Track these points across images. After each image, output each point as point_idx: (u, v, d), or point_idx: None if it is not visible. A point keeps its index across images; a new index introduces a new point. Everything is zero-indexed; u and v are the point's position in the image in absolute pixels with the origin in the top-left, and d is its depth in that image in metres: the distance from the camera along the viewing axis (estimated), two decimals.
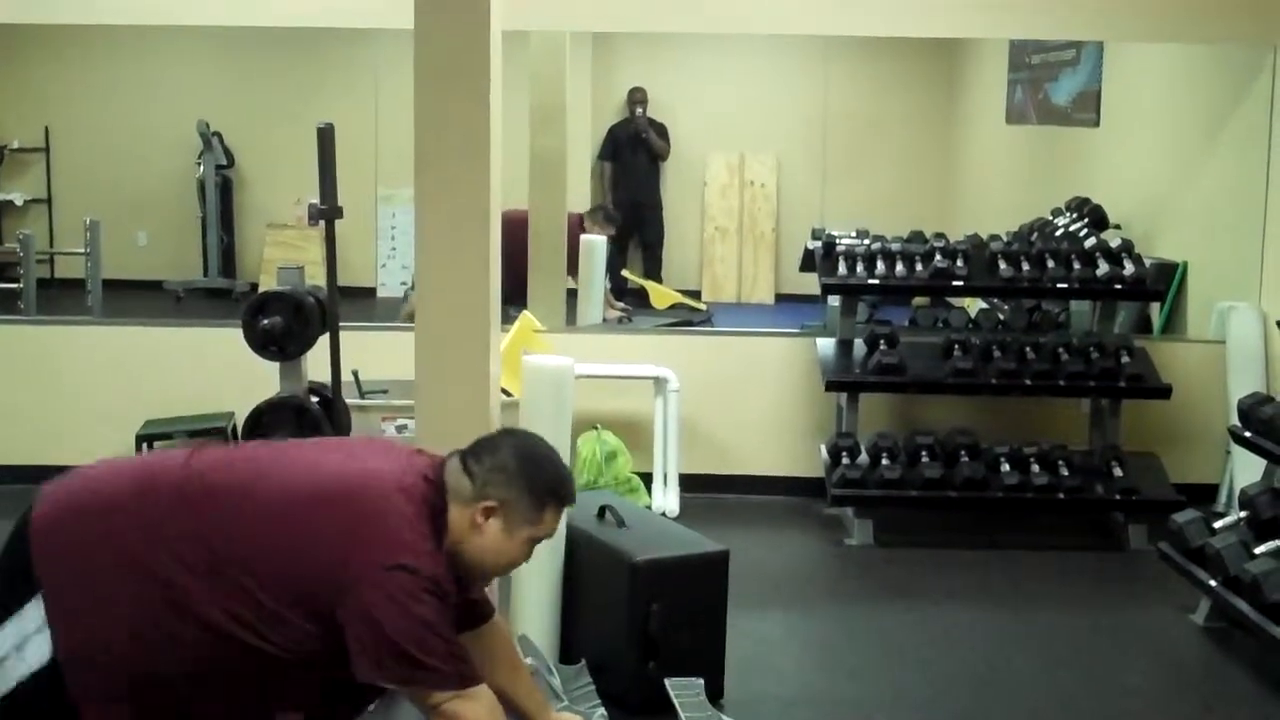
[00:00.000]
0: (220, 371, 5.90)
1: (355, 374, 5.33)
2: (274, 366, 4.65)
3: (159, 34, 10.01)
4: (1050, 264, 5.86)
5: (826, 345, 6.00)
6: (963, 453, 5.62)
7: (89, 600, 2.45)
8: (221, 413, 6.00)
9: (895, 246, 6.01)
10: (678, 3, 6.15)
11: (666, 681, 3.74)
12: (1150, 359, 5.88)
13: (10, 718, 2.46)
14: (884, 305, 8.20)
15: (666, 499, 5.87)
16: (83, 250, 8.28)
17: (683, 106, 11.38)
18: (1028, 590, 5.15)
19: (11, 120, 11.24)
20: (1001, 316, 6.71)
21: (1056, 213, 6.85)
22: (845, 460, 5.64)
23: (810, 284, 6.43)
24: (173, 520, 2.49)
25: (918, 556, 5.53)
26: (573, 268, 7.55)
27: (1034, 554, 5.57)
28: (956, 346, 5.81)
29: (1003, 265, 5.88)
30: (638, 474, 5.85)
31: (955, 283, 5.97)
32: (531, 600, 4.05)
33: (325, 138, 4.28)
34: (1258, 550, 4.35)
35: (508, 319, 5.52)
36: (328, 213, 4.32)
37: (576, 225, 8.17)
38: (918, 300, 7.52)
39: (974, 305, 7.30)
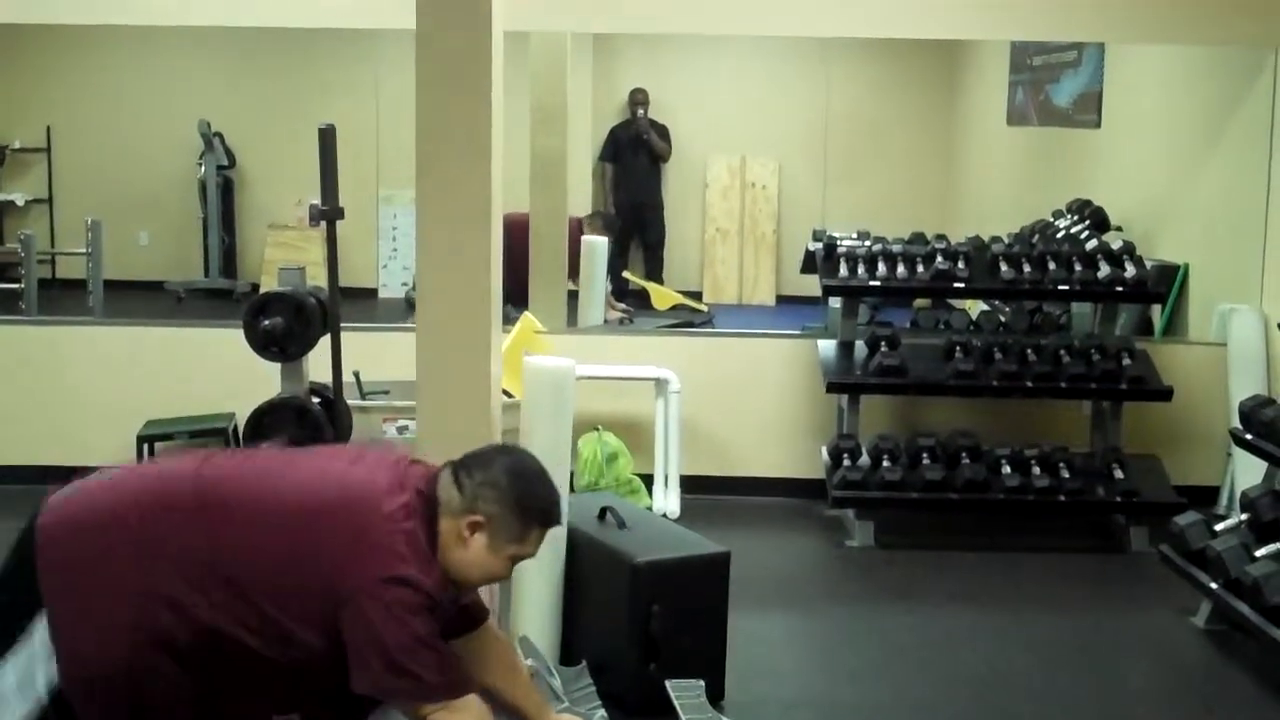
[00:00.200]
0: (221, 372, 5.90)
1: (356, 375, 5.33)
2: (275, 367, 4.65)
3: (161, 34, 10.01)
4: (1051, 266, 5.85)
5: (827, 347, 6.00)
6: (964, 455, 5.62)
7: (87, 626, 2.46)
8: (222, 413, 6.00)
9: (896, 248, 6.01)
10: (679, 4, 6.15)
11: (667, 683, 3.74)
12: (1151, 361, 5.87)
13: None
14: (885, 307, 8.21)
15: (667, 500, 5.87)
16: (84, 250, 8.28)
17: (684, 108, 11.39)
18: (1028, 592, 5.15)
19: (13, 120, 11.24)
20: (1003, 318, 6.71)
21: (1058, 214, 6.86)
22: (846, 462, 5.63)
23: (811, 285, 6.43)
24: (180, 534, 2.51)
25: (918, 558, 5.53)
26: (573, 270, 7.55)
27: (1035, 556, 5.56)
28: (958, 348, 5.81)
29: (1004, 267, 5.88)
30: (639, 475, 5.85)
31: (956, 284, 5.96)
32: (532, 601, 4.05)
33: (327, 138, 4.28)
34: (1259, 553, 4.34)
35: (508, 320, 5.52)
36: (329, 213, 4.33)
37: (576, 229, 8.18)
38: (919, 302, 7.52)
39: (975, 307, 7.29)
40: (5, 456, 6.11)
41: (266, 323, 4.46)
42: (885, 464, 5.60)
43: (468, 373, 3.90)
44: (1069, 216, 6.73)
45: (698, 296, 10.76)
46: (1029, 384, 5.71)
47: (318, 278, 4.76)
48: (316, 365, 4.71)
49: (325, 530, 2.50)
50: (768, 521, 5.89)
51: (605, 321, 7.79)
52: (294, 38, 9.78)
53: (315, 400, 4.70)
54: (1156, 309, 6.57)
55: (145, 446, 5.91)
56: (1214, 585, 4.42)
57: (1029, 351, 5.79)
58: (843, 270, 5.93)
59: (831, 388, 5.84)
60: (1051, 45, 8.34)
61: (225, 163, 11.08)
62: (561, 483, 3.49)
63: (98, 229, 8.18)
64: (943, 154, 11.28)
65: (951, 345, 5.84)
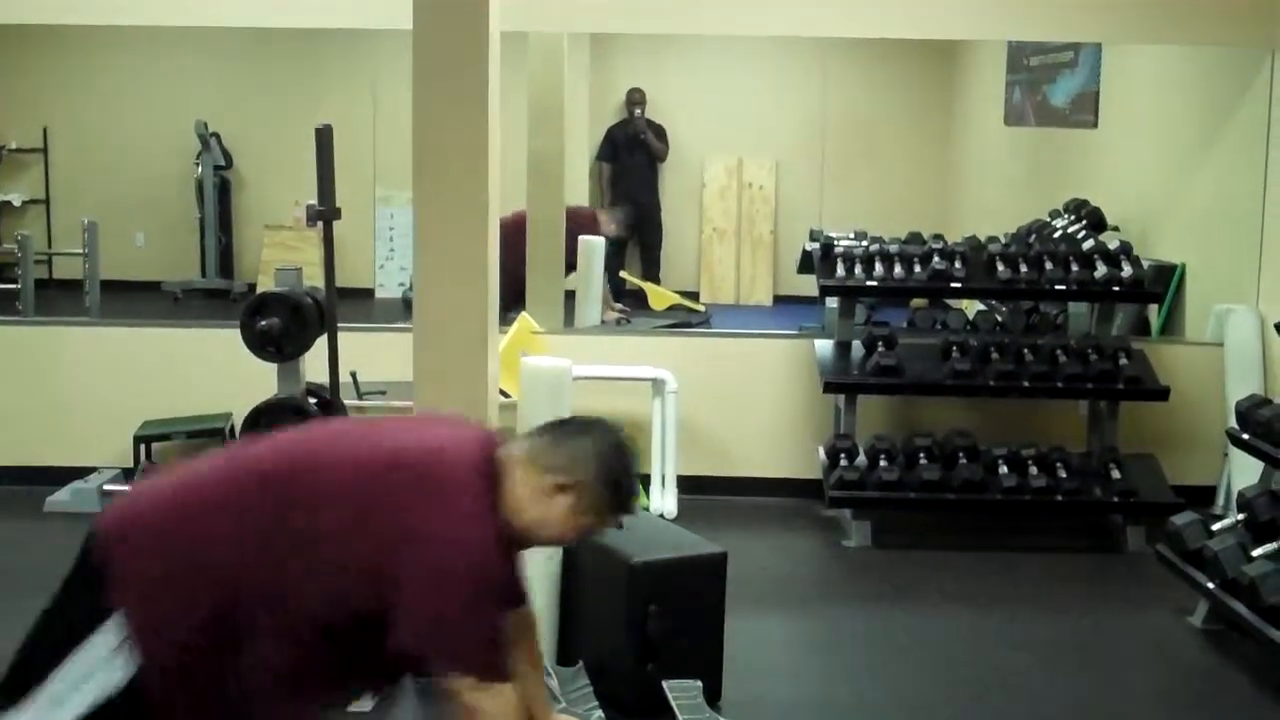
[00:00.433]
0: (218, 372, 5.90)
1: (353, 375, 5.33)
2: (272, 367, 4.65)
3: (157, 35, 10.01)
4: (1048, 266, 5.86)
5: (824, 347, 6.00)
6: (961, 455, 5.62)
7: (167, 614, 2.45)
8: (219, 413, 6.00)
9: (893, 248, 6.01)
10: (676, 4, 6.15)
11: (664, 683, 3.74)
12: (1148, 361, 5.88)
13: None
14: (882, 307, 8.21)
15: (664, 500, 5.87)
16: (81, 251, 8.29)
17: (681, 108, 11.39)
18: (1025, 592, 5.15)
19: (10, 121, 11.23)
20: (999, 318, 6.71)
21: (1054, 214, 6.86)
22: (843, 462, 5.64)
23: (808, 285, 6.43)
24: (257, 505, 2.49)
25: (916, 558, 5.53)
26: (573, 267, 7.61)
27: (1032, 556, 5.57)
28: (954, 348, 5.81)
29: (1001, 267, 5.88)
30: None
31: (953, 284, 5.97)
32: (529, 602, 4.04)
33: (323, 139, 4.28)
34: (1255, 553, 4.35)
35: (506, 321, 5.52)
36: (326, 214, 4.33)
37: (591, 222, 8.27)
38: (916, 302, 7.53)
39: (972, 307, 7.30)
40: (3, 457, 6.11)
41: (263, 323, 4.46)
42: (882, 464, 5.60)
43: (465, 373, 3.90)
44: (1066, 216, 6.73)
45: (695, 296, 10.75)
46: (1026, 384, 5.71)
47: (315, 278, 4.75)
48: (313, 365, 4.70)
49: (393, 486, 2.49)
50: (765, 522, 5.89)
51: (602, 322, 7.79)
52: (291, 38, 9.79)
53: (312, 400, 4.70)
54: (1153, 309, 6.58)
55: (142, 446, 5.92)
56: (1211, 585, 4.42)
57: (1026, 351, 5.79)
58: (840, 270, 5.93)
59: (828, 388, 5.84)
60: (1048, 45, 8.34)
61: (222, 163, 11.07)
62: None
63: (94, 229, 8.18)
64: (940, 154, 11.28)
65: (948, 345, 5.84)
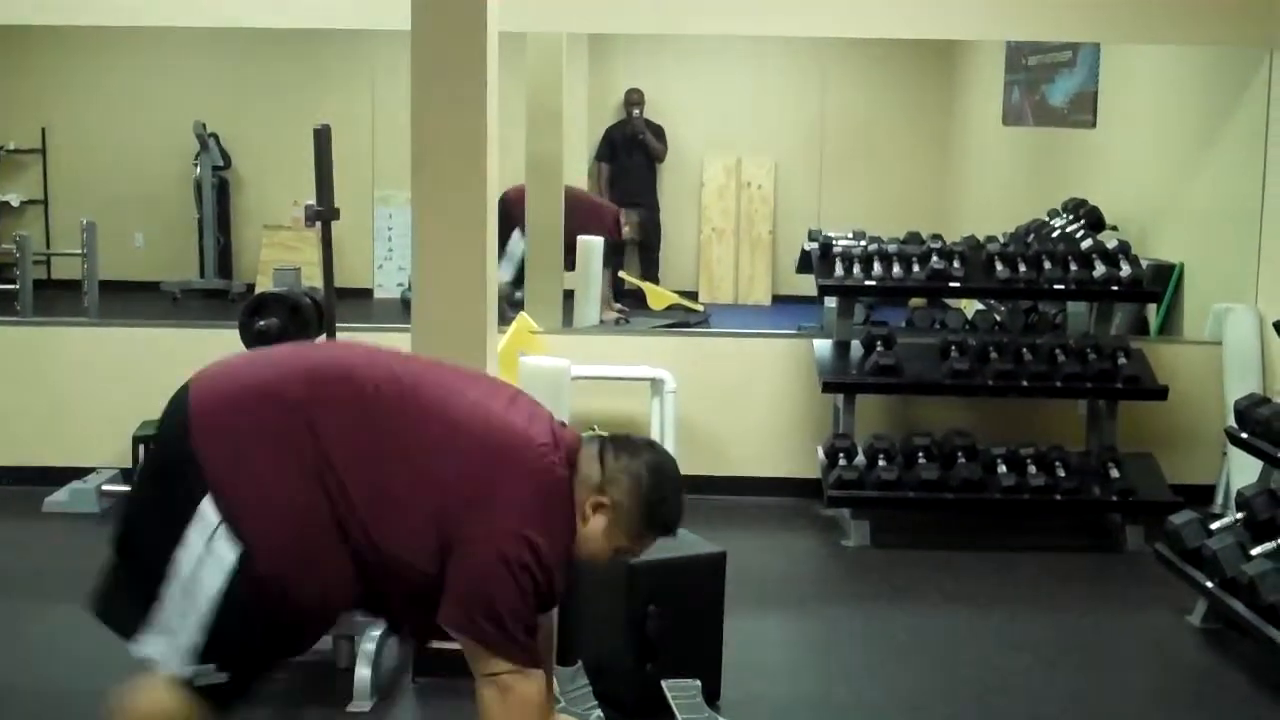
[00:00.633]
0: None
1: None
2: None
3: (155, 35, 10.02)
4: (1047, 265, 5.86)
5: (823, 346, 6.00)
6: (960, 454, 5.62)
7: (257, 488, 2.48)
8: None
9: (892, 248, 6.01)
10: (674, 4, 6.15)
11: (663, 683, 3.75)
12: (1147, 360, 5.88)
13: (232, 619, 2.48)
14: (881, 306, 8.21)
15: None
16: (79, 251, 8.28)
17: (679, 108, 11.40)
18: (1024, 591, 5.15)
19: (8, 121, 11.23)
20: (998, 318, 6.71)
21: (1053, 214, 6.86)
22: (842, 461, 5.64)
23: (807, 285, 6.43)
24: (350, 417, 2.52)
25: (914, 558, 5.53)
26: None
27: (1031, 555, 5.57)
28: (953, 348, 5.82)
29: (999, 266, 5.88)
30: None
31: (952, 284, 5.97)
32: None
33: (322, 139, 4.27)
34: (1254, 551, 4.35)
35: (504, 320, 5.52)
36: (324, 214, 4.32)
37: (614, 223, 8.43)
38: (914, 301, 7.53)
39: (970, 306, 7.30)
40: (1, 457, 6.11)
41: (262, 323, 4.45)
42: (881, 463, 5.60)
43: None
44: (1064, 216, 6.73)
45: (693, 296, 10.77)
46: (1024, 383, 5.71)
47: (313, 278, 4.75)
48: None
49: (475, 462, 2.52)
50: (764, 521, 5.89)
51: (601, 321, 7.80)
52: (289, 38, 9.79)
53: None
54: (1152, 308, 6.58)
55: (141, 447, 5.91)
56: (1210, 584, 4.42)
57: (1024, 351, 5.79)
58: (838, 270, 5.93)
59: (827, 387, 5.84)
60: (1047, 45, 8.35)
61: (220, 163, 11.08)
62: None
63: (93, 230, 8.18)
64: (938, 154, 11.29)
65: (947, 345, 5.84)
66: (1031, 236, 6.47)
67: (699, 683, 3.78)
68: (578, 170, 10.51)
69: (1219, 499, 5.83)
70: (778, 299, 11.34)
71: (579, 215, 7.94)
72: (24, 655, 4.29)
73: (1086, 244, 6.10)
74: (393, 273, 11.10)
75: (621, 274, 9.78)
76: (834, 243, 6.08)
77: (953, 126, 11.21)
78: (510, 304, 7.68)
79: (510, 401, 2.70)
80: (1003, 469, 5.58)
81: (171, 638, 2.50)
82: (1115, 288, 5.85)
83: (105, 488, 5.80)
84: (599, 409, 5.93)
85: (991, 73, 9.71)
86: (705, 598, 3.96)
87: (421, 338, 3.97)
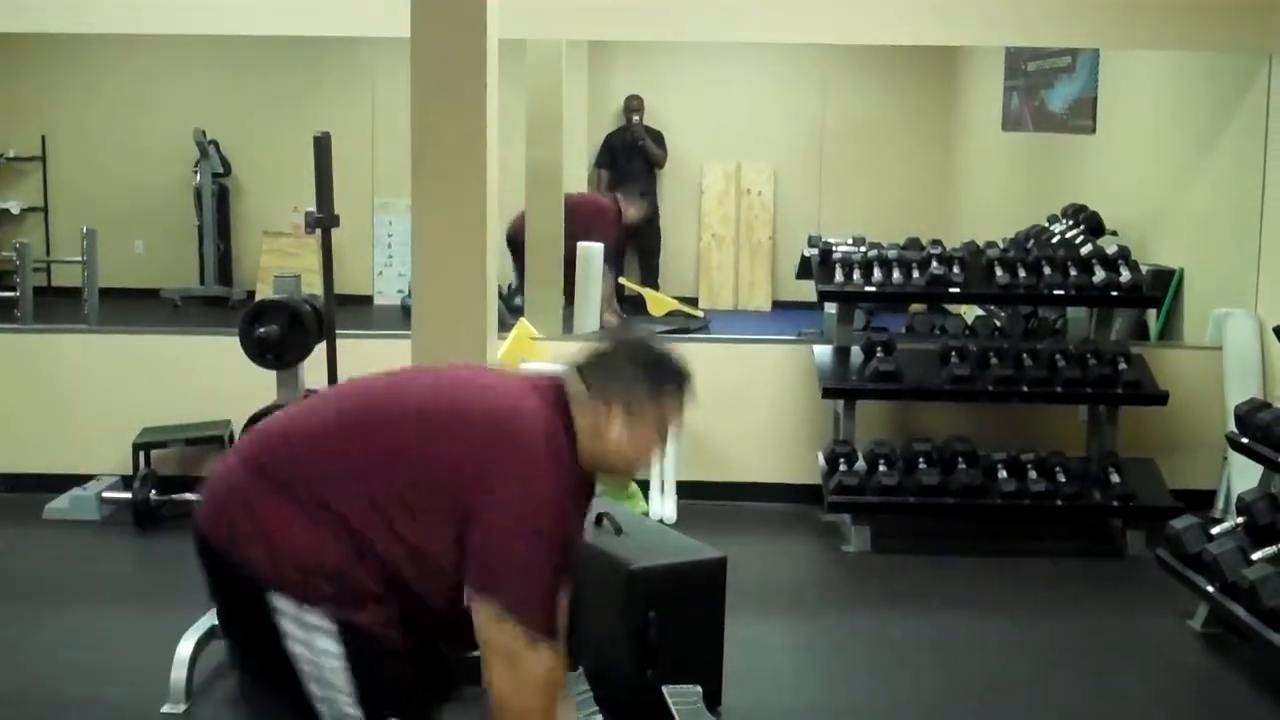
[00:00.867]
0: (217, 379, 5.90)
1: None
2: (271, 374, 4.65)
3: (155, 43, 10.02)
4: (1047, 271, 5.86)
5: (823, 352, 6.00)
6: (960, 460, 5.62)
7: (295, 564, 2.43)
8: (219, 420, 6.00)
9: (892, 253, 6.01)
10: (674, 11, 6.16)
11: (664, 689, 3.74)
12: (1147, 365, 5.88)
13: (373, 675, 2.46)
14: (880, 312, 8.22)
15: (664, 506, 5.87)
16: (79, 259, 8.30)
17: (679, 114, 11.40)
18: (1025, 597, 5.15)
19: (8, 129, 11.24)
20: (998, 323, 6.72)
21: (1053, 219, 6.87)
22: (842, 467, 5.63)
23: (807, 291, 6.43)
24: (346, 458, 2.50)
25: (915, 563, 5.53)
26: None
27: (1031, 561, 5.57)
28: (953, 353, 5.82)
29: (999, 272, 5.88)
30: (635, 481, 5.85)
31: (952, 289, 5.97)
32: None
33: (322, 146, 4.28)
34: (1255, 556, 4.35)
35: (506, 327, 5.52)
36: (324, 221, 4.33)
37: (615, 214, 8.46)
38: (914, 307, 7.53)
39: (970, 312, 7.30)
40: (2, 464, 6.11)
41: (262, 330, 4.46)
42: (881, 469, 5.60)
43: None
44: (1064, 221, 6.74)
45: (693, 302, 10.77)
46: (1025, 389, 5.71)
47: (313, 285, 4.76)
48: (312, 373, 4.71)
49: (481, 437, 2.48)
50: (764, 527, 5.89)
51: (602, 324, 7.80)
52: (289, 46, 9.79)
53: None
54: (1152, 313, 6.58)
55: (141, 454, 5.91)
56: (1210, 589, 4.42)
57: (1024, 356, 5.79)
58: (838, 275, 5.93)
59: (827, 393, 5.84)
60: (1046, 51, 8.36)
61: (220, 170, 11.08)
62: None
63: (93, 237, 8.19)
64: (938, 160, 11.29)
65: (947, 350, 5.84)
66: (1031, 242, 6.48)
67: (700, 688, 3.77)
68: (577, 177, 10.52)
69: (1219, 504, 5.83)
70: (778, 305, 11.34)
71: (581, 216, 7.96)
72: (24, 661, 4.29)
73: (1086, 249, 6.10)
74: (393, 279, 11.11)
75: (621, 280, 9.79)
76: (834, 248, 6.09)
77: (952, 132, 11.21)
78: (510, 309, 7.71)
79: (486, 382, 2.68)
80: (1003, 474, 5.58)
81: None
82: (1115, 293, 5.85)
83: (105, 494, 5.80)
84: None
85: (991, 78, 9.71)
86: (706, 603, 3.96)
87: (422, 344, 3.97)
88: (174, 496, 5.68)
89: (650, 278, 10.83)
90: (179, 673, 3.89)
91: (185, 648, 3.92)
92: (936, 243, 6.11)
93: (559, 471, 2.49)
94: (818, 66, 11.22)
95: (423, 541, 2.46)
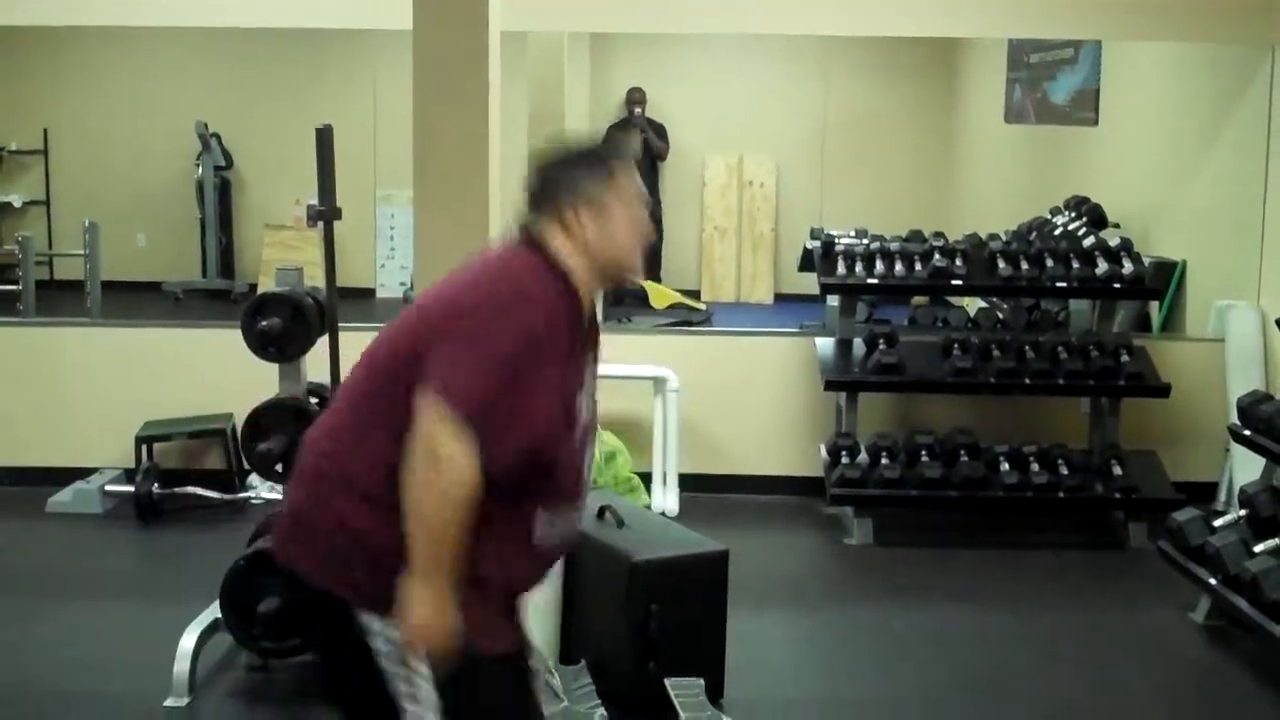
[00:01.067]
0: (219, 373, 5.90)
1: None
2: (273, 368, 4.65)
3: (157, 36, 10.01)
4: (1049, 263, 5.86)
5: (826, 345, 6.00)
6: (962, 452, 5.62)
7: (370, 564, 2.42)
8: (221, 414, 6.00)
9: (894, 246, 6.01)
10: (676, 4, 6.15)
11: (666, 681, 3.75)
12: (1149, 357, 5.88)
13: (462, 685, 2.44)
14: (883, 305, 8.22)
15: (666, 499, 5.88)
16: (82, 252, 8.29)
17: (681, 107, 11.40)
18: (1027, 589, 5.15)
19: (10, 122, 11.24)
20: (1000, 315, 6.71)
21: (1055, 211, 6.86)
22: (845, 460, 5.64)
23: (809, 283, 6.43)
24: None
25: (917, 556, 5.53)
26: None
27: (1034, 553, 5.57)
28: (956, 346, 5.81)
29: (1001, 264, 5.88)
30: (637, 474, 5.85)
31: (954, 282, 5.97)
32: (531, 601, 4.04)
33: (324, 139, 4.27)
34: (1257, 548, 4.35)
35: None
36: (326, 214, 4.32)
37: None
38: (917, 299, 7.54)
39: (973, 304, 7.30)
40: (4, 457, 6.11)
41: (264, 323, 4.45)
42: (884, 462, 5.60)
43: None
44: (1066, 213, 6.73)
45: (696, 295, 10.77)
46: (1027, 381, 5.71)
47: (315, 278, 4.75)
48: (314, 366, 4.70)
49: (435, 309, 2.49)
50: (767, 520, 5.89)
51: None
52: (291, 38, 9.79)
53: (313, 400, 4.70)
54: (1154, 305, 6.58)
55: (144, 447, 5.92)
56: (1213, 581, 4.42)
57: (1027, 348, 5.79)
58: (841, 268, 5.93)
59: (830, 385, 5.84)
60: (1049, 43, 8.34)
61: (222, 163, 11.08)
62: None
63: (95, 230, 8.19)
64: (940, 152, 11.28)
65: (949, 343, 5.84)
66: (1034, 234, 6.47)
67: (702, 681, 3.78)
68: None
69: (1222, 496, 5.83)
70: (780, 297, 11.33)
71: None
72: (27, 655, 4.29)
73: (1089, 241, 6.10)
74: (395, 272, 11.10)
75: None
76: (836, 241, 6.08)
77: (955, 124, 11.20)
78: None
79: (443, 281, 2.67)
80: (1005, 467, 5.58)
81: None
82: (1117, 285, 5.85)
83: (108, 488, 5.80)
84: (602, 408, 5.92)
85: (993, 70, 9.70)
86: (708, 596, 3.96)
87: None
88: (176, 490, 5.69)
89: (652, 270, 10.83)
90: (181, 666, 3.89)
91: (188, 641, 3.93)
92: (939, 235, 6.10)
93: (530, 303, 2.44)
94: (820, 59, 11.21)
95: None
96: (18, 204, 11.25)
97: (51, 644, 4.38)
